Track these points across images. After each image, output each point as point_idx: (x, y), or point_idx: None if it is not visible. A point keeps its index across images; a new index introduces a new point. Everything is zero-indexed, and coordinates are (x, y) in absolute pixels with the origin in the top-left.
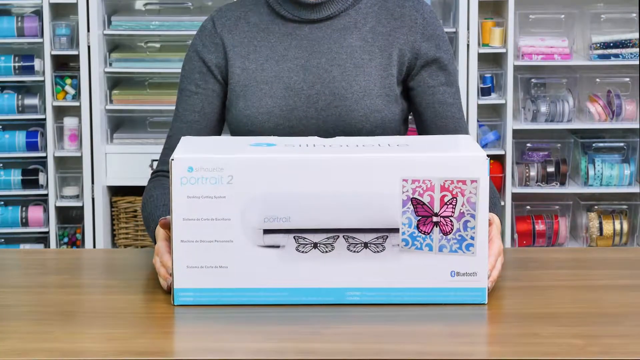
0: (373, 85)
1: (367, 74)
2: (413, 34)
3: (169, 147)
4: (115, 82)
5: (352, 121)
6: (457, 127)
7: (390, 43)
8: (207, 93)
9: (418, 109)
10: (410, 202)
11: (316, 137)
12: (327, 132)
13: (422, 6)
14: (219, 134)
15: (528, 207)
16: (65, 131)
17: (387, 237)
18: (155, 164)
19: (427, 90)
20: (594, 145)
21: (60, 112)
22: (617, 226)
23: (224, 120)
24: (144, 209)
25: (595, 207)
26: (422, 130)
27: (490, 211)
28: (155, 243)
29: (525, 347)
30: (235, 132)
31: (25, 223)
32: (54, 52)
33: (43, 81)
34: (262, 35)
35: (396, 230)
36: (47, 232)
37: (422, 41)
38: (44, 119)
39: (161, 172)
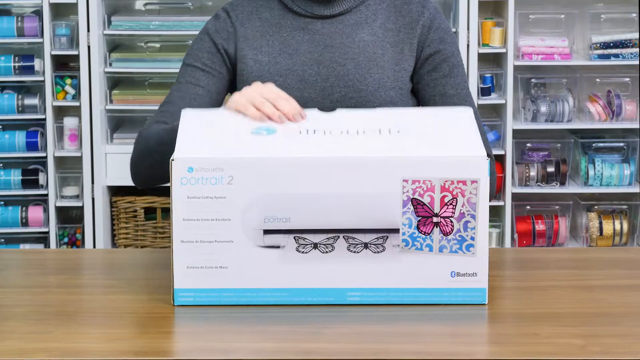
0: (387, 78)
1: (380, 67)
2: (420, 28)
3: (166, 110)
4: (115, 82)
5: None
6: None
7: (401, 39)
8: (213, 73)
9: (421, 103)
10: (410, 203)
11: (316, 109)
12: None
13: (427, 2)
14: None
15: (528, 207)
16: (65, 131)
17: (388, 237)
18: None
19: (430, 82)
20: (594, 145)
21: (60, 112)
22: (617, 226)
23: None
24: (144, 141)
25: (595, 207)
26: None
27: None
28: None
29: (525, 347)
30: None
31: (25, 223)
32: (54, 52)
33: (43, 81)
34: (274, 29)
35: (396, 230)
36: (47, 232)
37: (428, 35)
38: (44, 119)
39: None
